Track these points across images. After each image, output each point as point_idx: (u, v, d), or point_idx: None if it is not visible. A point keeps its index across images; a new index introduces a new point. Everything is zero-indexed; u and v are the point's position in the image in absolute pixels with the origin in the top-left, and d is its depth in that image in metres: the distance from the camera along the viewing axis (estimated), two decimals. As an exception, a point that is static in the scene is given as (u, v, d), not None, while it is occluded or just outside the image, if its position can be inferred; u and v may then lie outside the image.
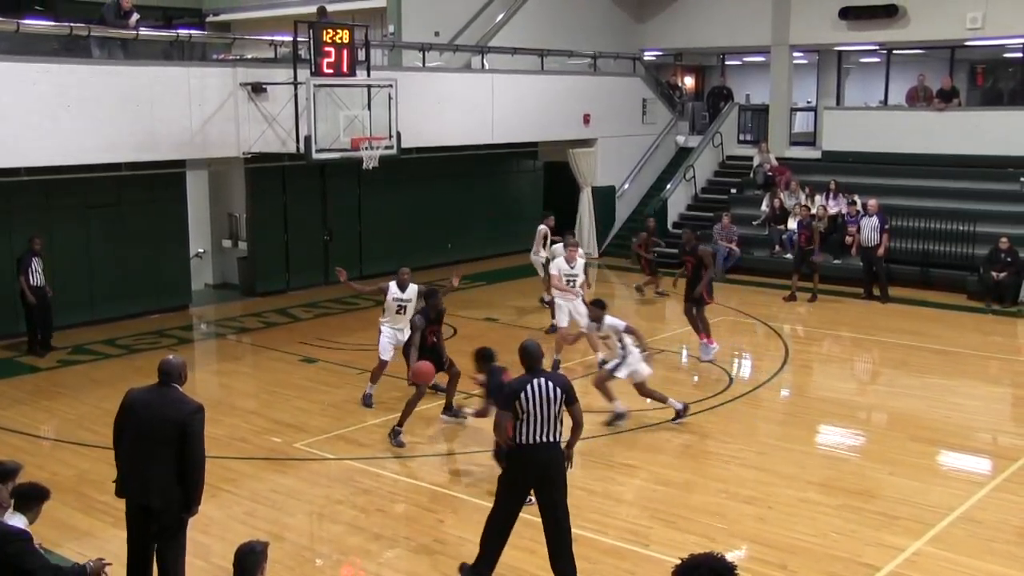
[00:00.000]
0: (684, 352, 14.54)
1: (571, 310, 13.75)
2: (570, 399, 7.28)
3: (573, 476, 9.59)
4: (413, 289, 11.90)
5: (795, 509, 8.90)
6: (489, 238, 22.22)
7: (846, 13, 22.09)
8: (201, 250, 18.86)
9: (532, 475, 7.27)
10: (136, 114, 14.22)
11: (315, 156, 14.97)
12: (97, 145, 13.90)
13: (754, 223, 21.17)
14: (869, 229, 17.91)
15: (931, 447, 10.63)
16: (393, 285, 11.88)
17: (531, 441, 7.16)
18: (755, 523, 8.63)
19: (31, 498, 6.53)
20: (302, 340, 15.06)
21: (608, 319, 11.25)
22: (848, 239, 19.26)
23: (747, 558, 8.03)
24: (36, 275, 13.96)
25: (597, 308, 11.38)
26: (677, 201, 22.98)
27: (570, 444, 7.48)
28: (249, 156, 15.85)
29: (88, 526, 8.54)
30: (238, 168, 17.69)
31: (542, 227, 17.07)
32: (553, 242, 15.10)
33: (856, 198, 19.63)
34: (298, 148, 15.11)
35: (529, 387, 7.13)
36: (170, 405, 6.60)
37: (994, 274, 17.18)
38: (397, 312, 11.90)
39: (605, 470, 9.85)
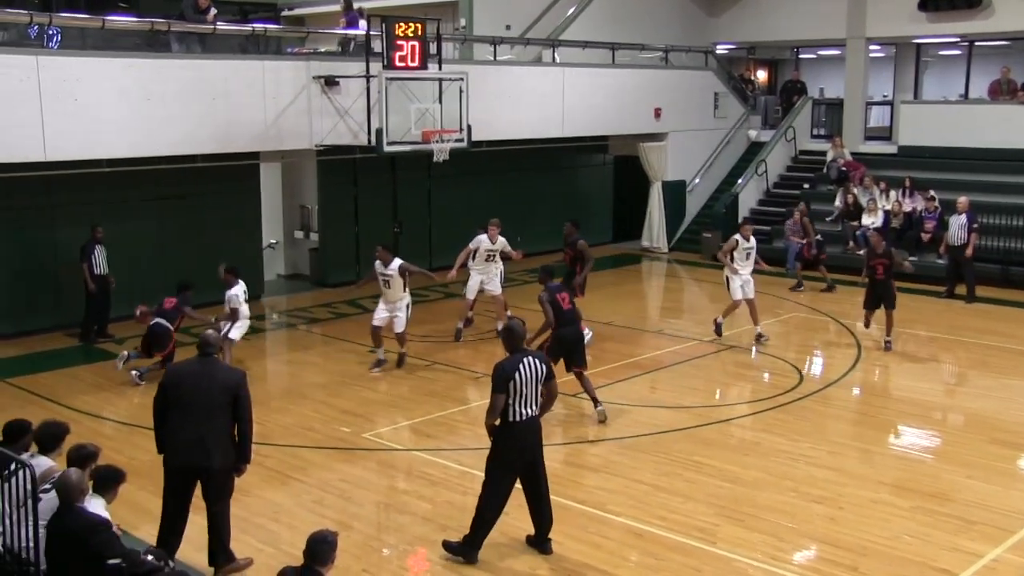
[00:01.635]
0: (754, 350, 14.33)
1: (482, 280, 14.58)
2: (550, 374, 7.74)
3: (641, 470, 9.58)
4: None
5: (867, 510, 8.71)
6: (558, 232, 22.09)
7: (926, 4, 21.60)
8: (274, 241, 19.11)
9: (525, 449, 7.65)
10: (212, 107, 14.47)
11: (386, 149, 15.07)
12: (176, 137, 14.17)
13: (827, 219, 20.79)
14: (957, 227, 17.43)
15: (1011, 450, 10.32)
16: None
17: (522, 418, 7.54)
18: (825, 523, 8.47)
19: (109, 480, 6.70)
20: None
21: (232, 290, 12.75)
22: (925, 236, 18.84)
23: (816, 559, 7.90)
24: (99, 263, 14.29)
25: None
26: (748, 196, 22.68)
27: (541, 413, 7.81)
28: (321, 148, 16.01)
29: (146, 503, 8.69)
30: (310, 160, 17.88)
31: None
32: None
33: (933, 194, 19.16)
34: (369, 141, 15.24)
35: (522, 366, 7.51)
36: (220, 373, 7.39)
37: (1078, 273, 16.63)
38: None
39: (671, 465, 9.75)
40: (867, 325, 14.56)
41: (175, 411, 7.22)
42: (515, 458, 7.66)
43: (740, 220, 21.63)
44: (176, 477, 7.27)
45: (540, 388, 7.65)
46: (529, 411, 7.59)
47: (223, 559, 7.43)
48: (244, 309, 13.04)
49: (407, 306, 13.09)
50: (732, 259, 14.29)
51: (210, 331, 7.66)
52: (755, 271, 14.68)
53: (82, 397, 12.00)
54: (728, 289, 14.40)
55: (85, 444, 7.02)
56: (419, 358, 13.53)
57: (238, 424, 7.25)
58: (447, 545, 7.85)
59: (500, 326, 14.19)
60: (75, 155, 13.46)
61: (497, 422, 7.62)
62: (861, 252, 19.13)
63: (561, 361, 10.81)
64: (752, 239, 14.47)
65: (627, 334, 14.99)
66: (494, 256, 14.63)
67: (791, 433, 10.72)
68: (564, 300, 11.14)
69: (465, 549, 7.76)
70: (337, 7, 17.71)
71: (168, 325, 12.71)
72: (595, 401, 11.06)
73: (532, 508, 7.88)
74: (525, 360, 7.57)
